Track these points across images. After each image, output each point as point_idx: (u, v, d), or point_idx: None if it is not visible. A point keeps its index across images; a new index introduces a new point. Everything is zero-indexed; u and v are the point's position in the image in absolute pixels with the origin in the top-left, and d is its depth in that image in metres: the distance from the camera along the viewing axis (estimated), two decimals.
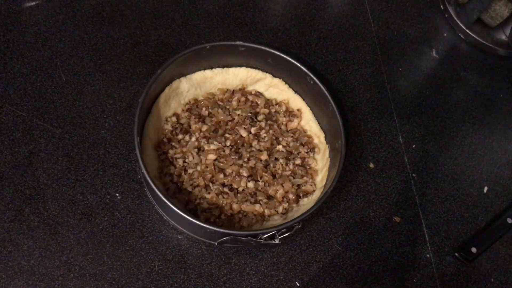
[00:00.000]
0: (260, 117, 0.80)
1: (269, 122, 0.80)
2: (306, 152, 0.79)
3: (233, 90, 0.82)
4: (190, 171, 0.73)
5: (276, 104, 0.83)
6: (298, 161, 0.78)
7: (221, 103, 0.80)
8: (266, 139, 0.78)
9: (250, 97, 0.82)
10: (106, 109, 0.79)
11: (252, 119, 0.79)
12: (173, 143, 0.75)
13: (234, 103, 0.80)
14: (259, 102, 0.82)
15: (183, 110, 0.78)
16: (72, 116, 0.77)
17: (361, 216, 0.80)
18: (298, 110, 0.83)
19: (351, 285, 0.75)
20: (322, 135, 0.81)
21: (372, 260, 0.77)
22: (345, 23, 0.97)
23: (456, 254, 0.80)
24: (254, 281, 0.72)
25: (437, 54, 0.99)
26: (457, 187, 0.87)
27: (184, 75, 0.79)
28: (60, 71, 0.80)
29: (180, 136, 0.76)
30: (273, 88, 0.84)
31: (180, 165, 0.73)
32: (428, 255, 0.80)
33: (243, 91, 0.82)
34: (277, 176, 0.76)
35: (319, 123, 0.82)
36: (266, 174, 0.74)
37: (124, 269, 0.69)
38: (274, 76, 0.83)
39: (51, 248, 0.68)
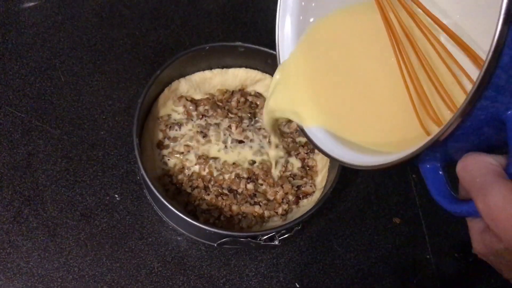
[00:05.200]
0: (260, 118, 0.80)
1: None
2: (306, 153, 0.79)
3: (233, 91, 0.82)
4: (189, 172, 0.73)
5: None
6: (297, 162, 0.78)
7: (220, 104, 0.80)
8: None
9: (250, 98, 0.82)
10: (105, 110, 0.79)
11: (251, 119, 0.79)
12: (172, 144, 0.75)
13: (234, 103, 0.80)
14: (258, 103, 0.81)
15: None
16: (71, 117, 0.77)
17: (361, 217, 0.80)
18: None
19: (351, 286, 0.75)
20: None
21: (372, 261, 0.77)
22: None
23: (456, 254, 0.80)
24: (254, 282, 0.72)
25: None
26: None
27: (183, 76, 0.79)
28: (59, 72, 0.80)
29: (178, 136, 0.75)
30: None
31: (179, 166, 0.73)
32: (428, 256, 0.80)
33: (242, 91, 0.82)
34: (276, 177, 0.75)
35: None
36: (265, 176, 0.74)
37: (123, 270, 0.69)
38: None
39: (50, 250, 0.68)
